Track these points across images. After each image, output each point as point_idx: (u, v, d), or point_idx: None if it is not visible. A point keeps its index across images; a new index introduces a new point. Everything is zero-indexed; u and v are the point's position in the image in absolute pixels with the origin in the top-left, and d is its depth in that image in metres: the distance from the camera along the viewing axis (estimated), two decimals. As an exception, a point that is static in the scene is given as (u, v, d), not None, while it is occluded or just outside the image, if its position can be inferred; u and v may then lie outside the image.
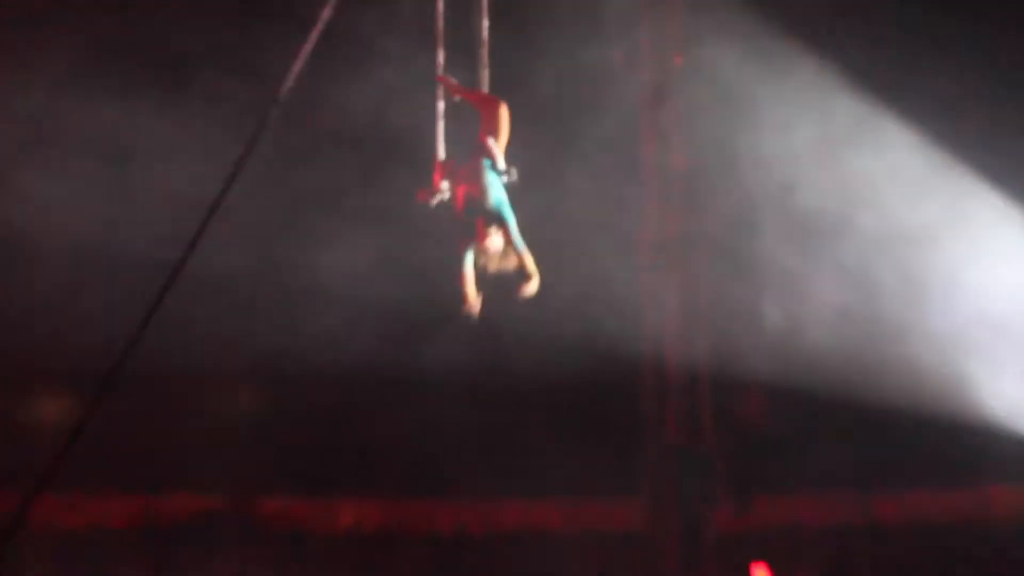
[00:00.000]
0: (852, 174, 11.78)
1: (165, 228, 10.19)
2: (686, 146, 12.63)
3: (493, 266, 6.92)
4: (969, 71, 11.57)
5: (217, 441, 12.23)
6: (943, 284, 11.54)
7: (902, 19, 11.76)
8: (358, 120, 11.58)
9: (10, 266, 11.58)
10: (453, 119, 7.34)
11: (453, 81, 7.36)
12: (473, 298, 7.00)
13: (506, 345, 11.92)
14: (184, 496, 12.34)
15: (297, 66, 6.62)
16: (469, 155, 7.13)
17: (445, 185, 7.14)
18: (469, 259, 7.00)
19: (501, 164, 7.03)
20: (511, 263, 6.91)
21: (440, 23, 7.33)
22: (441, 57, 7.36)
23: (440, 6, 7.36)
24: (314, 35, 6.70)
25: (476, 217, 6.93)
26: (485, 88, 7.37)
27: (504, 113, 7.18)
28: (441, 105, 7.34)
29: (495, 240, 6.91)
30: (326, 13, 6.74)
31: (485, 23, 7.37)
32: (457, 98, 7.36)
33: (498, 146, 7.11)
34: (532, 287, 6.91)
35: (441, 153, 7.23)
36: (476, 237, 6.92)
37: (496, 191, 6.94)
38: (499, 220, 6.88)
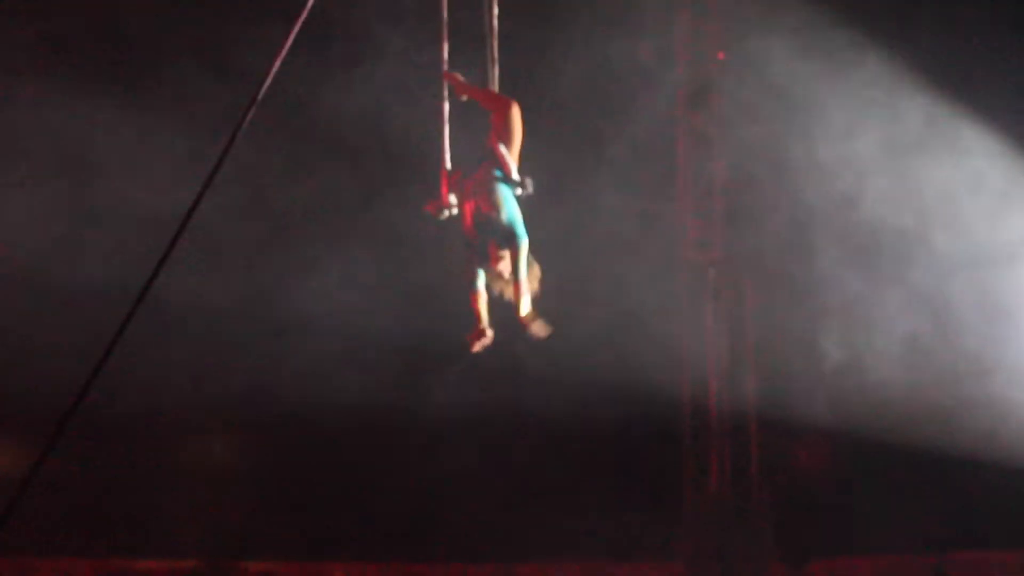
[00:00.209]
0: (924, 185, 11.73)
1: (131, 250, 10.18)
2: (730, 154, 12.57)
3: (509, 293, 6.84)
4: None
5: (191, 495, 12.15)
6: (1030, 312, 11.60)
7: (981, 5, 11.71)
8: (353, 125, 11.54)
9: (-50, 293, 11.57)
10: (461, 123, 7.28)
11: (460, 78, 7.29)
12: (482, 330, 6.88)
13: (522, 384, 11.91)
14: (153, 560, 12.24)
15: (277, 63, 6.51)
16: (478, 164, 7.05)
17: (453, 199, 7.07)
18: (480, 285, 6.90)
19: (514, 174, 6.94)
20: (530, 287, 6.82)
21: (444, 10, 7.26)
22: (446, 51, 7.30)
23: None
24: (296, 26, 6.60)
25: (487, 236, 6.84)
26: (496, 87, 7.29)
27: (517, 115, 7.10)
28: (447, 107, 7.28)
29: (507, 263, 6.83)
30: (307, 3, 6.64)
31: (495, 10, 7.29)
32: (464, 98, 7.29)
33: (511, 154, 7.02)
34: (537, 328, 6.80)
35: (448, 162, 7.16)
36: (489, 260, 6.83)
37: (509, 206, 6.85)
38: (510, 240, 6.79)
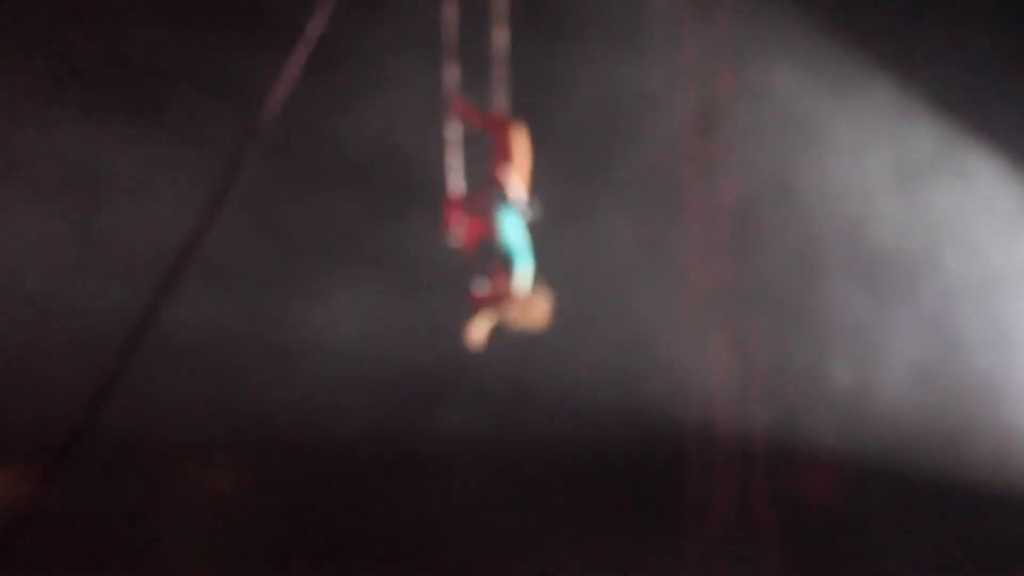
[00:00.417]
0: (932, 209, 11.72)
1: (138, 275, 10.11)
2: (738, 178, 12.51)
3: (519, 319, 6.76)
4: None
5: (192, 525, 11.92)
6: (1042, 336, 11.54)
7: (990, 32, 11.72)
8: (362, 150, 11.52)
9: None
10: (473, 146, 7.23)
11: (467, 103, 7.26)
12: (479, 333, 6.79)
13: (528, 412, 11.86)
14: (155, 588, 12.14)
15: (282, 87, 6.48)
16: (481, 187, 6.99)
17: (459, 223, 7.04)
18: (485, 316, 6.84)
19: (516, 198, 6.87)
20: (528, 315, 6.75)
21: (452, 34, 7.22)
22: (454, 74, 7.26)
23: (451, 14, 7.25)
24: (301, 52, 6.57)
25: (492, 262, 6.79)
26: (501, 110, 7.25)
27: (521, 138, 7.04)
28: (455, 130, 7.24)
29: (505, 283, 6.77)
30: (314, 27, 6.62)
31: (501, 33, 7.24)
32: (471, 124, 7.27)
33: (516, 176, 6.96)
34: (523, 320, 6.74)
35: (455, 187, 7.12)
36: (493, 286, 6.76)
37: (508, 229, 6.79)
38: (507, 262, 6.74)
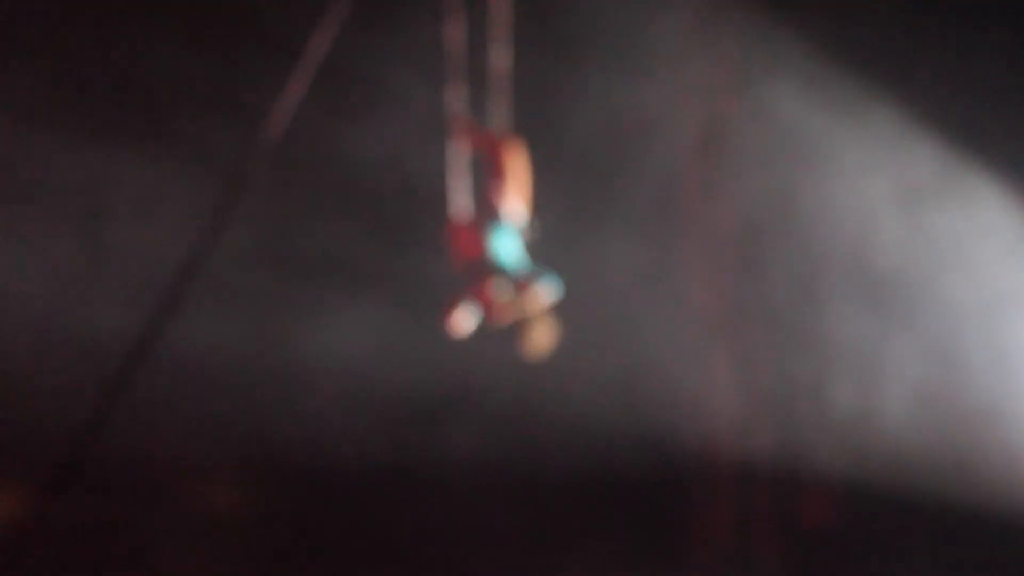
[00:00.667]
0: (935, 232, 11.69)
1: (142, 295, 10.07)
2: (740, 200, 12.46)
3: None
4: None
5: (194, 545, 11.82)
6: (1044, 359, 11.47)
7: (993, 55, 11.69)
8: (369, 171, 11.47)
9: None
10: (478, 166, 7.19)
11: (470, 123, 7.21)
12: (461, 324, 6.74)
13: (531, 434, 11.78)
14: (156, 609, 12.04)
15: (287, 107, 6.44)
16: (478, 207, 6.96)
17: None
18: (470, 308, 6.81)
19: (511, 217, 6.82)
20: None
21: (457, 53, 7.18)
22: (459, 94, 7.21)
23: (455, 33, 7.21)
24: (307, 72, 6.53)
25: (479, 275, 6.76)
26: (500, 128, 7.20)
27: (517, 156, 6.99)
28: (460, 151, 7.19)
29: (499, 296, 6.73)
30: (319, 46, 6.58)
31: (501, 52, 7.20)
32: (470, 143, 7.22)
33: (514, 194, 6.91)
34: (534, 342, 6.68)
35: (461, 208, 7.07)
36: (479, 298, 6.73)
37: (502, 248, 6.76)
38: (501, 278, 6.71)
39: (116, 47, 11.44)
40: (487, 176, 6.95)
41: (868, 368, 11.88)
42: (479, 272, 6.68)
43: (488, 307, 6.63)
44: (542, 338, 6.70)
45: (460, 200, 7.06)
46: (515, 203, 6.82)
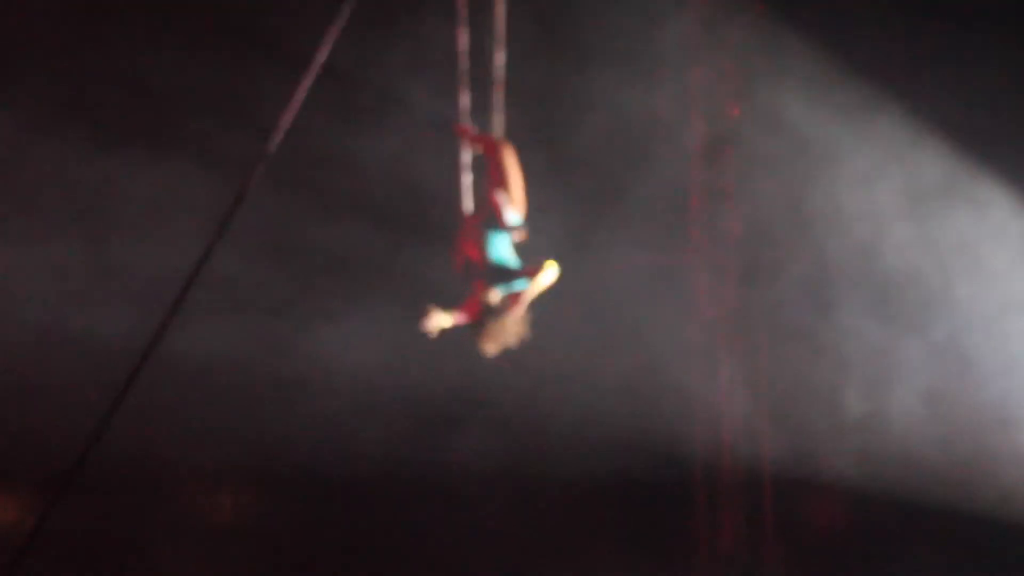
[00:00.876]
0: (944, 236, 11.63)
1: (148, 303, 9.99)
2: (749, 206, 12.41)
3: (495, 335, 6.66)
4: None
5: (202, 552, 11.86)
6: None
7: (1001, 59, 11.62)
8: (377, 176, 11.47)
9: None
10: (482, 170, 7.16)
11: (473, 130, 7.18)
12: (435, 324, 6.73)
13: (540, 440, 11.76)
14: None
15: (294, 113, 6.40)
16: (476, 210, 6.97)
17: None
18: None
19: (507, 220, 6.78)
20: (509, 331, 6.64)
21: (464, 59, 7.15)
22: (466, 100, 7.19)
23: (463, 42, 7.17)
24: (314, 78, 6.50)
25: (474, 276, 6.73)
26: (497, 131, 7.17)
27: (510, 158, 6.98)
28: (467, 157, 7.16)
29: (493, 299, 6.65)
30: (325, 52, 6.54)
31: (500, 57, 7.16)
32: (471, 147, 7.20)
33: (511, 195, 6.88)
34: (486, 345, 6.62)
35: (466, 210, 7.04)
36: (471, 301, 6.69)
37: (496, 250, 6.72)
38: (495, 280, 6.64)
39: (124, 54, 11.42)
40: (485, 178, 6.96)
41: (877, 373, 11.82)
42: (477, 272, 6.67)
43: (473, 306, 6.62)
44: (508, 337, 6.67)
45: (466, 201, 7.07)
46: (512, 204, 6.79)
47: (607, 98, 11.67)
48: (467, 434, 11.72)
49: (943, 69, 11.67)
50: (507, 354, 6.84)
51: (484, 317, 6.62)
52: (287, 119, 6.36)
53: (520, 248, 6.90)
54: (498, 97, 7.17)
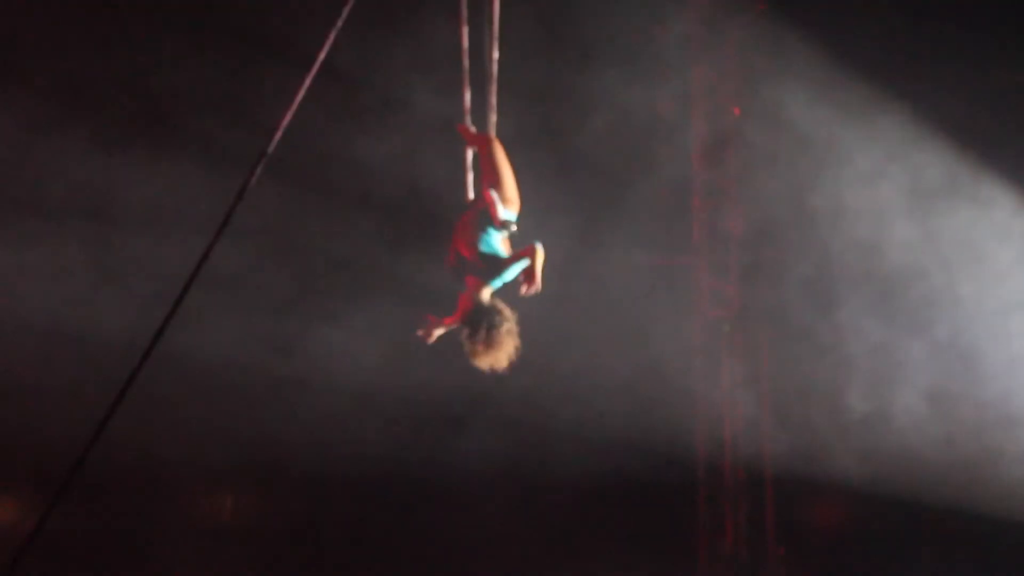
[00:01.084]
0: (947, 234, 11.58)
1: (151, 303, 9.94)
2: (748, 206, 12.36)
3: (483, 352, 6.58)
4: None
5: (205, 553, 11.80)
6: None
7: (1004, 58, 11.59)
8: (380, 176, 11.42)
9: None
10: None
11: (472, 130, 7.14)
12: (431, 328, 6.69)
13: (543, 440, 11.71)
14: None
15: (294, 113, 6.34)
16: (468, 206, 6.92)
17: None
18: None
19: (499, 215, 6.72)
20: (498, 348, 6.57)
21: (466, 60, 7.09)
22: (467, 101, 7.14)
23: (464, 40, 7.12)
24: (316, 78, 6.43)
25: (464, 271, 6.66)
26: (493, 132, 7.12)
27: (498, 151, 6.92)
28: (470, 156, 7.11)
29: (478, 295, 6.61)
30: (327, 52, 6.47)
31: (495, 54, 7.11)
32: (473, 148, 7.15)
33: (502, 189, 6.82)
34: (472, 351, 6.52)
35: (462, 207, 6.98)
36: (462, 298, 6.58)
37: (489, 246, 6.66)
38: (483, 276, 6.60)
39: (127, 54, 11.38)
40: (478, 174, 6.93)
41: (880, 372, 11.75)
42: (467, 268, 6.62)
43: (465, 303, 6.57)
44: (502, 355, 6.60)
45: (464, 199, 7.04)
46: (504, 200, 6.74)
47: (609, 97, 11.62)
48: (468, 434, 11.69)
49: (946, 67, 11.61)
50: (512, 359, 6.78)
51: (474, 316, 6.55)
52: (287, 119, 6.30)
53: (516, 244, 6.85)
54: (493, 95, 7.10)
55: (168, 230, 11.21)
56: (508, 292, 6.71)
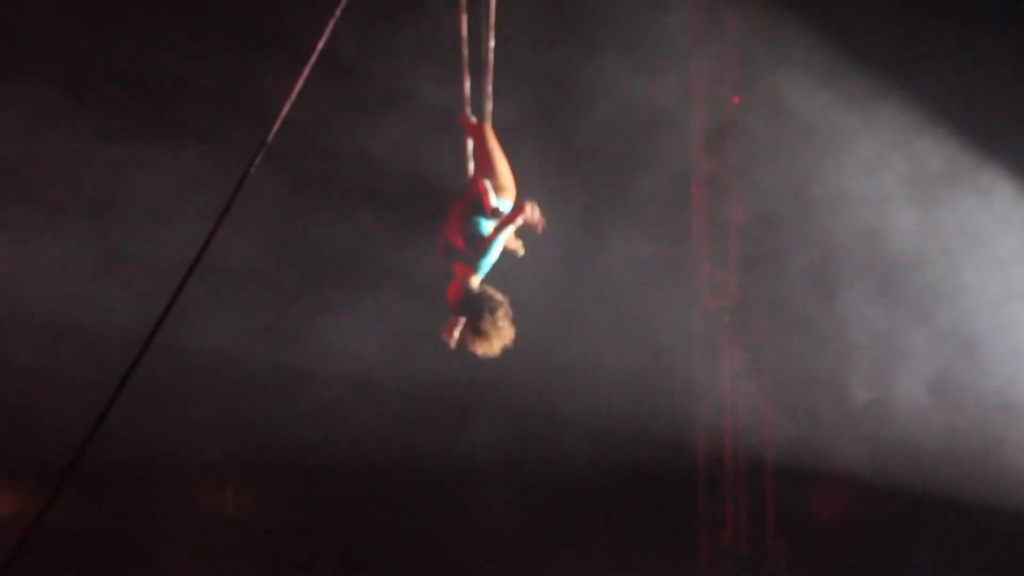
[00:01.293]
0: (951, 222, 11.51)
1: (153, 295, 9.89)
2: (752, 193, 12.29)
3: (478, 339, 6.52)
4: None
5: (206, 547, 11.79)
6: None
7: (1006, 45, 11.50)
8: (383, 168, 11.37)
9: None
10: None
11: (473, 120, 7.06)
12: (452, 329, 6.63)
13: (546, 431, 11.69)
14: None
15: (289, 102, 6.25)
16: (461, 194, 6.82)
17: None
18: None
19: (491, 204, 6.65)
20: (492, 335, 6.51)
21: (465, 51, 7.01)
22: (468, 91, 7.05)
23: (463, 31, 7.03)
24: (317, 68, 6.35)
25: (454, 259, 6.60)
26: (488, 120, 7.05)
27: (490, 138, 6.84)
28: (470, 146, 7.03)
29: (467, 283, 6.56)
30: (328, 43, 6.39)
31: (491, 43, 7.02)
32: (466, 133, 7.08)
33: (496, 177, 6.75)
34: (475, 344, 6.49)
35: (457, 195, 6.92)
36: (452, 286, 6.53)
37: (476, 233, 6.60)
38: (474, 263, 6.54)
39: (129, 46, 11.32)
40: (473, 162, 6.87)
41: (882, 360, 11.71)
42: (458, 256, 6.56)
43: (455, 292, 6.52)
44: (496, 343, 6.54)
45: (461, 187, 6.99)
46: (497, 188, 6.68)
47: (609, 87, 11.55)
48: (471, 425, 11.66)
49: (946, 56, 11.55)
50: (513, 346, 6.72)
51: (470, 304, 6.50)
52: (286, 108, 6.22)
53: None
54: (489, 83, 7.03)
55: (170, 222, 11.15)
56: (510, 289, 6.65)
